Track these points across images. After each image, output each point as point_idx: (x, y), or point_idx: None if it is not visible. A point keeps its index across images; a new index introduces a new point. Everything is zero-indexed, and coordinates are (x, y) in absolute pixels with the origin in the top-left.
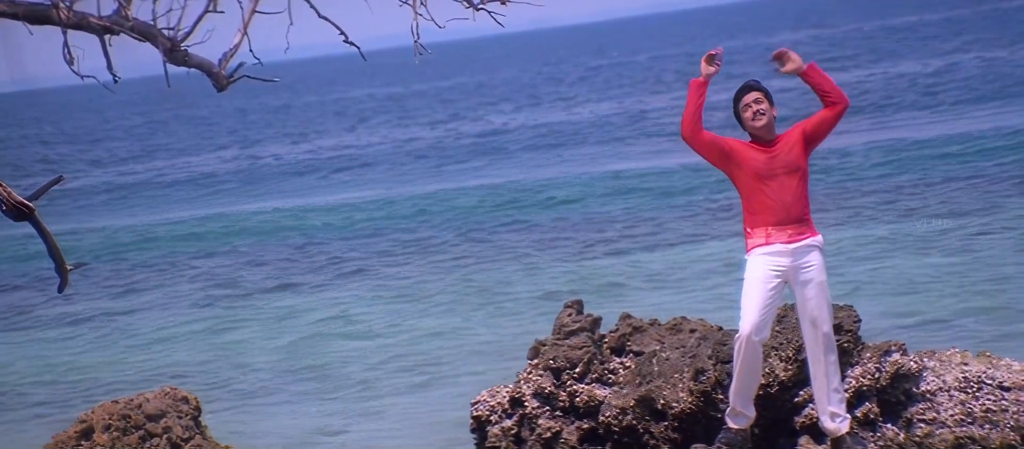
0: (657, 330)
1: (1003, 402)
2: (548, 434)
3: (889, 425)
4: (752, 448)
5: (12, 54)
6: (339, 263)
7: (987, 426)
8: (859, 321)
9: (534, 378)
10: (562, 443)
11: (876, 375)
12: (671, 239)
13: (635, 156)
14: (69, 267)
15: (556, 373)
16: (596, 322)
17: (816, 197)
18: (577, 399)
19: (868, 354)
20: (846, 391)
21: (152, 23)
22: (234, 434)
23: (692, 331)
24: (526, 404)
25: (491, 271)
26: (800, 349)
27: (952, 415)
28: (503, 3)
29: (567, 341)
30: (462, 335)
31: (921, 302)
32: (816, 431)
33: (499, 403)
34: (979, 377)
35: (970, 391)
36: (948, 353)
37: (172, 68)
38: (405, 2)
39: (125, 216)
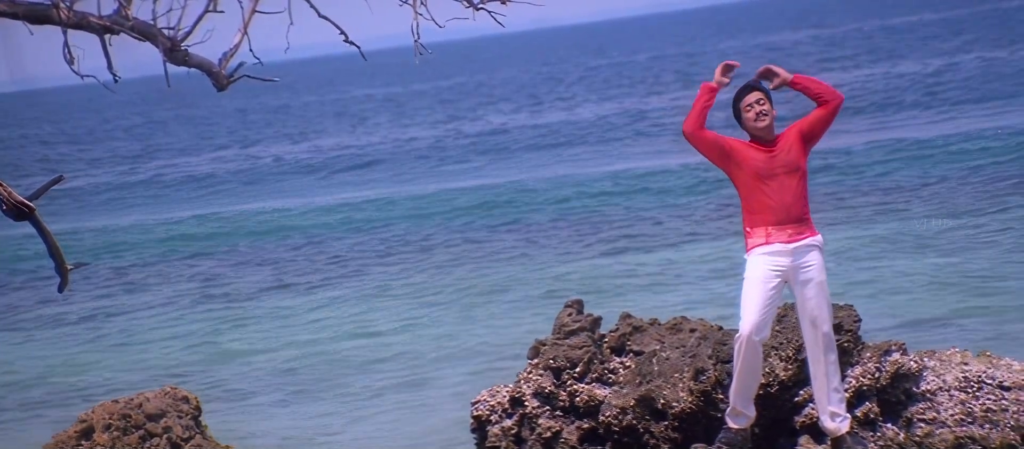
0: (657, 330)
1: (1003, 402)
2: (548, 434)
3: (889, 425)
4: (752, 448)
5: (12, 54)
6: (339, 263)
7: (987, 426)
8: (859, 321)
9: (534, 378)
10: (562, 443)
11: (876, 375)
12: (671, 239)
13: (635, 156)
14: (69, 267)
15: (556, 373)
16: (596, 322)
17: (816, 197)
18: (577, 399)
19: (868, 354)
20: (846, 391)
21: (152, 23)
22: (234, 434)
23: (692, 331)
24: (526, 404)
25: (491, 271)
26: (800, 349)
27: (952, 415)
28: (503, 3)
29: (567, 341)
30: (462, 335)
31: (921, 302)
32: (816, 431)
33: (499, 403)
34: (979, 377)
35: (970, 391)
36: (948, 353)
37: (172, 68)
38: (405, 2)
39: (125, 216)
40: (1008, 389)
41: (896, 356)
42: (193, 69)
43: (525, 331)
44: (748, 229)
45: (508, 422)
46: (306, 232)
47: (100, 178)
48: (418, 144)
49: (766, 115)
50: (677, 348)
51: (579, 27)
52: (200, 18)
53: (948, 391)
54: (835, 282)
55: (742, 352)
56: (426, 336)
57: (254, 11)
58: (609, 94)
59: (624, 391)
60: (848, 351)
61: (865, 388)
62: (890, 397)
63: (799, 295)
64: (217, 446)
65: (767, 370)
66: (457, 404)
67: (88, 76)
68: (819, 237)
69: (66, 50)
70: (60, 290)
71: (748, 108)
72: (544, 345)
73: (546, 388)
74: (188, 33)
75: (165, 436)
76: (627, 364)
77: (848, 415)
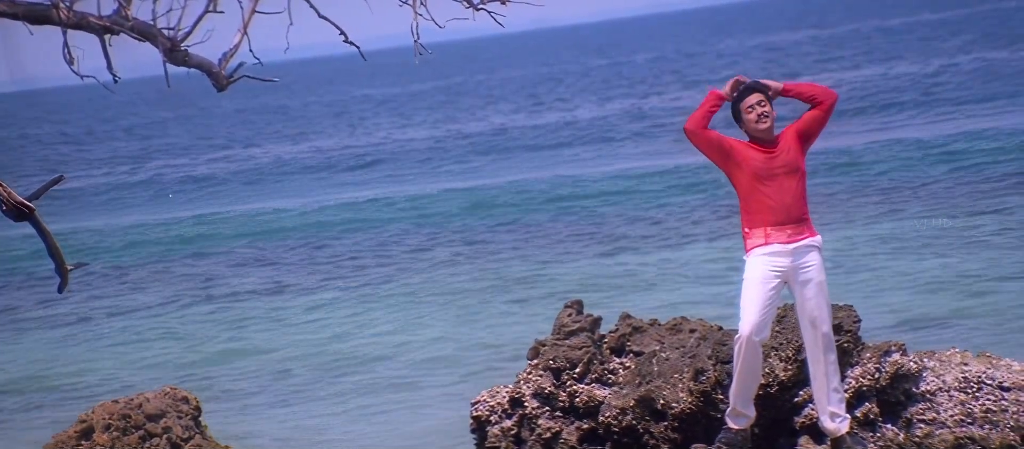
0: (657, 330)
1: (1003, 402)
2: (548, 434)
3: (889, 425)
4: (752, 448)
5: (12, 54)
6: (338, 263)
7: (987, 426)
8: (859, 321)
9: (534, 378)
10: (562, 443)
11: (876, 375)
12: (671, 239)
13: (634, 156)
14: (69, 267)
15: (556, 373)
16: (596, 322)
17: (816, 197)
18: (577, 399)
19: (868, 354)
20: (846, 391)
21: (152, 23)
22: (233, 434)
23: (692, 331)
24: (526, 404)
25: (491, 271)
26: (800, 349)
27: (952, 415)
28: (503, 3)
29: (567, 341)
30: (462, 335)
31: (921, 302)
32: (816, 431)
33: (499, 403)
34: (979, 377)
35: (970, 391)
36: (948, 353)
37: (172, 68)
38: (405, 2)
39: (124, 216)
40: (1008, 390)
41: (896, 356)
42: (193, 69)
43: (525, 331)
44: (747, 230)
45: (508, 422)
46: (305, 232)
47: (100, 178)
48: (417, 144)
49: (767, 116)
50: (677, 348)
51: (579, 27)
52: (200, 18)
53: (948, 392)
54: (835, 282)
55: (742, 353)
56: (426, 336)
57: (254, 11)
58: (609, 94)
59: (624, 391)
60: (848, 351)
61: (865, 388)
62: (890, 397)
63: (798, 295)
64: (217, 446)
65: (767, 370)
66: (457, 404)
67: (88, 76)
68: (818, 237)
69: (66, 50)
70: (60, 290)
71: (749, 109)
72: (544, 345)
73: (546, 388)
74: (188, 33)
75: (165, 436)
76: (627, 364)
77: (848, 415)
